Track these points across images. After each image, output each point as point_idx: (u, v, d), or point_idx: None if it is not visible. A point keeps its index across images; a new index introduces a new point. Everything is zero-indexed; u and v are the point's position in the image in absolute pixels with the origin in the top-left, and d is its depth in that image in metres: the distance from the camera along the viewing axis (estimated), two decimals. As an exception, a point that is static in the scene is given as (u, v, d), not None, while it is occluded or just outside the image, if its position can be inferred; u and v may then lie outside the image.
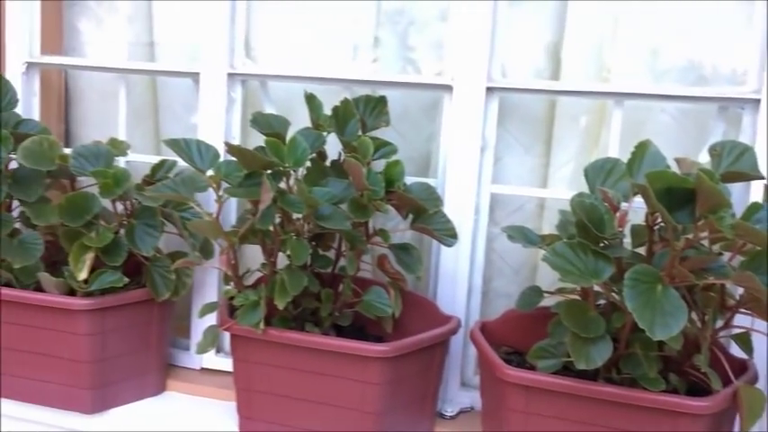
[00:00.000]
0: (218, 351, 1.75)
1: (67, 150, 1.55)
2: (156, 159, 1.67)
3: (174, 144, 1.35)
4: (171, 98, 1.86)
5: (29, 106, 1.81)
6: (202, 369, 1.75)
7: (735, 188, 1.38)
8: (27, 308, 1.51)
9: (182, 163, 1.55)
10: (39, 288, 1.54)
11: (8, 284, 1.55)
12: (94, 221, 1.51)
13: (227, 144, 1.32)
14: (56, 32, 1.91)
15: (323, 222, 1.29)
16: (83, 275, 1.49)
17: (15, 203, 1.59)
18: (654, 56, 1.52)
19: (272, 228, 1.35)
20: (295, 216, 1.35)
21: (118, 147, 1.61)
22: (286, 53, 1.73)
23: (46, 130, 1.61)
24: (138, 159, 1.76)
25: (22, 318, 1.52)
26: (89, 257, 1.49)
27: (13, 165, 1.54)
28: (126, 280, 1.51)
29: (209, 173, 1.37)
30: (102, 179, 1.47)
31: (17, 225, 1.57)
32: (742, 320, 1.22)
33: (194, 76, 1.68)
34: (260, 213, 1.24)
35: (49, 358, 1.54)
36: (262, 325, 1.32)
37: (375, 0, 1.67)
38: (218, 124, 1.65)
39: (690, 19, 1.49)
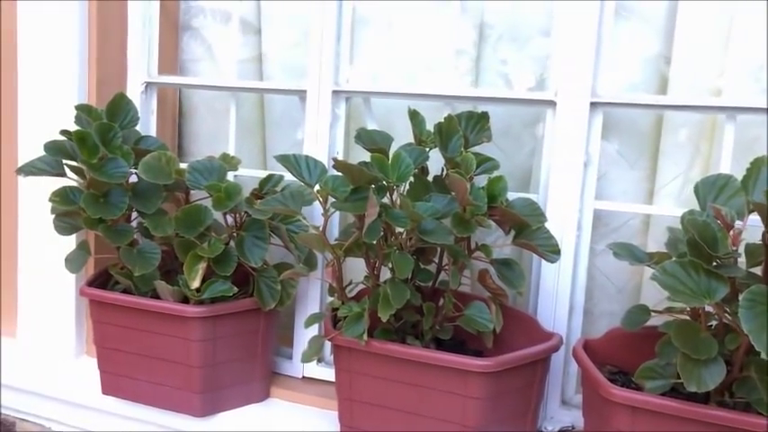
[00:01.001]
0: (320, 361, 1.79)
1: (183, 165, 1.63)
2: (263, 174, 1.73)
3: (285, 159, 1.41)
4: (278, 115, 1.93)
5: (146, 123, 1.92)
6: (304, 378, 1.80)
7: None
8: (144, 314, 1.60)
9: (288, 177, 1.62)
10: (155, 295, 1.63)
11: (127, 291, 1.65)
12: (207, 233, 1.59)
13: (334, 160, 1.36)
14: (171, 53, 2.02)
15: (426, 237, 1.31)
16: (196, 284, 1.56)
17: (134, 215, 1.69)
18: (762, 70, 1.47)
19: (375, 242, 1.38)
20: (398, 230, 1.38)
21: (229, 162, 1.68)
22: (388, 70, 1.77)
23: (164, 147, 1.70)
24: (247, 174, 1.83)
25: (140, 323, 1.61)
26: (202, 267, 1.57)
27: (133, 178, 1.64)
28: (235, 289, 1.58)
29: (317, 187, 1.41)
30: (215, 192, 1.55)
31: (136, 236, 1.67)
32: None
33: (301, 93, 1.74)
34: (366, 227, 1.27)
35: (163, 362, 1.62)
36: (365, 336, 1.35)
37: (474, 17, 1.69)
38: (323, 140, 1.70)
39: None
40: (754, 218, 1.16)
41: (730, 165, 1.43)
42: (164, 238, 1.64)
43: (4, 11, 1.90)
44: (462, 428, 1.36)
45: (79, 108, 1.68)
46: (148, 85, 1.93)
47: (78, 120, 1.68)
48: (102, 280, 1.74)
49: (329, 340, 1.42)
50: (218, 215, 1.62)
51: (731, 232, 1.18)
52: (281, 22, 1.89)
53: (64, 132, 1.61)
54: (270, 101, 1.95)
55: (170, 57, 2.01)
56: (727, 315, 1.15)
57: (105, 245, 1.64)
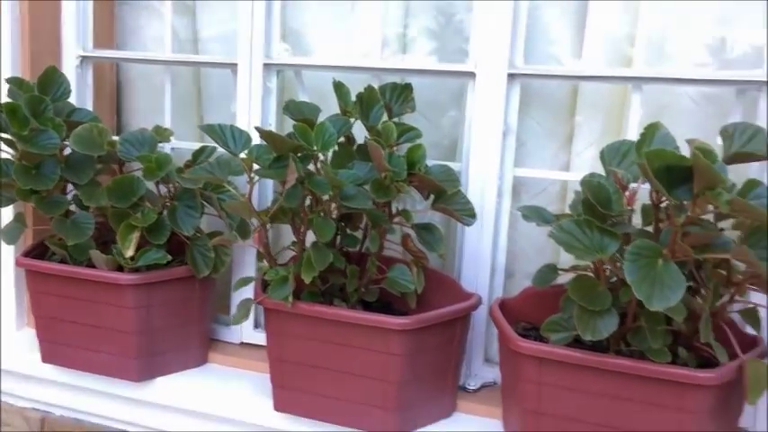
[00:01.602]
0: (257, 326, 1.85)
1: (116, 138, 1.67)
2: (197, 146, 1.78)
3: (210, 129, 1.45)
4: (214, 89, 1.96)
5: (83, 97, 1.94)
6: (242, 343, 1.86)
7: (752, 168, 1.41)
8: (80, 282, 1.64)
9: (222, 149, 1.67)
10: (91, 265, 1.67)
11: (63, 261, 1.68)
12: (140, 203, 1.63)
13: (258, 129, 1.42)
14: (108, 28, 2.03)
15: (347, 202, 1.37)
16: (129, 253, 1.60)
17: (69, 187, 1.72)
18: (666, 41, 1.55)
19: (302, 208, 1.44)
20: (323, 197, 1.43)
21: (161, 134, 1.72)
22: (319, 44, 1.82)
23: (96, 119, 1.73)
24: (183, 146, 1.87)
25: (76, 292, 1.65)
26: (135, 236, 1.61)
27: (67, 151, 1.67)
28: (169, 257, 1.63)
29: (242, 156, 1.46)
30: (146, 163, 1.59)
31: (71, 207, 1.70)
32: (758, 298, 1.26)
33: (232, 66, 1.78)
34: (285, 192, 1.33)
35: (100, 329, 1.66)
36: (290, 298, 1.41)
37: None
38: (255, 112, 1.75)
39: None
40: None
41: (637, 132, 1.51)
42: (99, 208, 1.68)
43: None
44: (385, 384, 1.44)
45: (10, 81, 1.70)
46: (84, 58, 1.94)
47: (10, 93, 1.70)
48: (39, 251, 1.77)
49: (258, 303, 1.48)
50: (152, 186, 1.66)
51: (626, 193, 1.27)
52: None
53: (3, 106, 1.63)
54: (206, 75, 1.99)
55: (106, 31, 2.03)
56: (620, 269, 1.24)
57: (43, 216, 1.68)
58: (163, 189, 1.68)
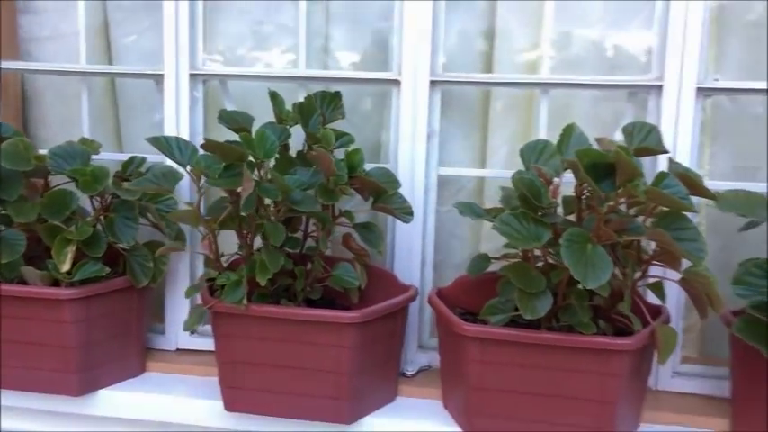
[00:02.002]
0: (192, 332, 1.88)
1: (41, 151, 1.65)
2: (122, 156, 1.78)
3: (156, 141, 1.48)
4: (132, 99, 1.96)
5: (-10, 110, 1.89)
6: (178, 350, 1.88)
7: (645, 161, 1.62)
8: (15, 300, 1.61)
9: (151, 159, 1.69)
10: (21, 282, 1.64)
11: (-6, 280, 1.64)
12: (72, 217, 1.63)
13: (205, 140, 1.46)
14: (10, 35, 1.98)
15: (297, 206, 1.45)
16: (66, 267, 1.60)
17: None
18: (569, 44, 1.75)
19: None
20: (267, 202, 1.50)
21: (90, 146, 1.71)
22: (243, 53, 1.87)
23: (19, 133, 1.70)
24: (105, 157, 1.86)
25: (10, 310, 1.62)
26: (71, 250, 1.60)
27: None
28: (107, 270, 1.63)
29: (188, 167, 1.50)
30: (81, 177, 1.59)
31: (-4, 224, 1.66)
32: (657, 273, 1.46)
33: (158, 77, 1.80)
34: (243, 200, 1.39)
35: (38, 346, 1.64)
36: (245, 301, 1.47)
37: (321, 4, 1.83)
38: (183, 121, 1.78)
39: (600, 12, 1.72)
40: (568, 174, 1.42)
41: (546, 132, 1.69)
42: (26, 224, 1.65)
43: None
44: (337, 375, 1.53)
45: (-76, 97, 1.64)
46: (-10, 71, 1.89)
47: None
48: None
49: (209, 308, 1.52)
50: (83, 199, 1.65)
51: (551, 187, 1.43)
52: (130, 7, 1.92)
53: None
54: (122, 85, 1.98)
55: (9, 39, 1.97)
56: (551, 255, 1.40)
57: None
58: (95, 202, 1.67)
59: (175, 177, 1.52)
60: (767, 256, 1.39)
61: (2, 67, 1.88)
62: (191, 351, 1.88)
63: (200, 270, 1.87)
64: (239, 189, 1.41)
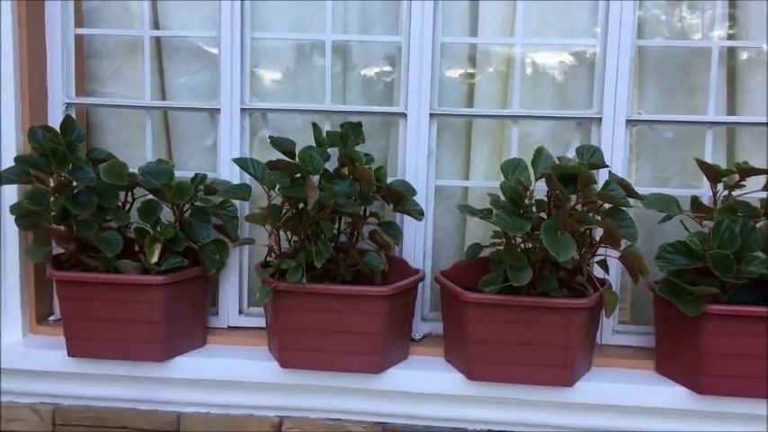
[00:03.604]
0: (240, 312, 2.35)
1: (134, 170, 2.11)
2: (181, 174, 2.24)
3: (241, 162, 1.97)
4: (184, 128, 2.42)
5: (70, 137, 2.31)
6: (229, 327, 2.35)
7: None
8: (114, 286, 2.05)
9: (210, 176, 2.18)
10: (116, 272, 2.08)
11: (96, 270, 2.08)
12: (158, 221, 2.09)
13: (270, 162, 1.96)
14: (79, 78, 2.40)
15: (343, 209, 1.96)
16: (154, 259, 2.06)
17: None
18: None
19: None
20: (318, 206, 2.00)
21: (167, 166, 2.17)
22: (280, 91, 2.38)
23: (112, 156, 2.15)
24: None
25: (107, 294, 2.06)
26: (158, 246, 2.06)
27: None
28: (186, 261, 2.09)
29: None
30: (168, 190, 2.05)
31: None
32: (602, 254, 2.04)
33: (213, 111, 2.28)
34: (310, 205, 1.89)
35: (128, 323, 2.08)
36: (304, 280, 1.97)
37: (340, 53, 2.35)
38: (235, 146, 2.26)
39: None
40: (540, 184, 1.97)
41: (516, 152, 2.24)
42: (119, 227, 2.10)
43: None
44: (371, 336, 2.03)
45: (38, 128, 2.07)
46: (68, 105, 2.32)
47: (34, 138, 2.06)
48: (56, 265, 2.14)
49: (274, 287, 2.00)
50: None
51: (528, 192, 1.99)
52: (184, 51, 2.39)
53: (36, 147, 2.01)
54: (175, 116, 2.43)
55: (78, 79, 2.40)
56: (528, 241, 1.95)
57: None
58: (175, 209, 2.14)
59: (248, 189, 2.01)
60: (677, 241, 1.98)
61: (77, 102, 2.32)
62: (239, 328, 2.34)
63: (246, 263, 2.34)
64: (304, 196, 1.91)
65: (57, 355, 2.18)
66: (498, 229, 1.97)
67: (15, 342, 2.26)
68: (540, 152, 2.02)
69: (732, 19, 2.26)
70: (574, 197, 1.88)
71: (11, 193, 2.18)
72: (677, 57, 2.29)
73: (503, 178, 2.05)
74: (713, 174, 2.04)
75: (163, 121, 2.46)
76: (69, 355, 2.14)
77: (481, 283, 2.02)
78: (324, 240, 1.98)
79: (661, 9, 2.28)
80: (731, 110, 2.28)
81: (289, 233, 2.07)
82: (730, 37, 2.26)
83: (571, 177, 1.83)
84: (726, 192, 2.06)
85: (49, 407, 2.27)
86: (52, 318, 2.38)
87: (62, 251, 2.18)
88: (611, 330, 2.27)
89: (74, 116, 2.31)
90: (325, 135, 2.15)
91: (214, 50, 2.31)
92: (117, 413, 2.25)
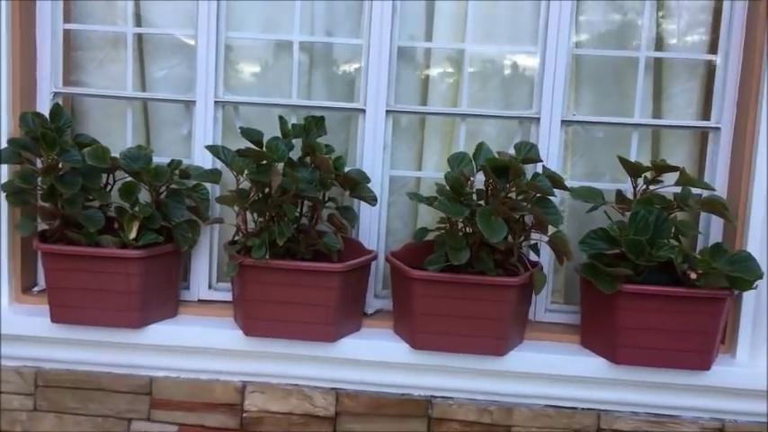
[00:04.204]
0: (210, 287, 2.58)
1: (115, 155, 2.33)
2: (158, 160, 2.45)
3: (213, 149, 2.20)
4: (162, 117, 2.64)
5: (56, 123, 2.52)
6: (199, 300, 2.57)
7: (529, 167, 2.44)
8: (94, 259, 2.27)
9: (185, 162, 2.40)
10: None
11: (79, 244, 2.29)
12: (137, 201, 2.31)
13: (240, 150, 2.19)
14: (66, 69, 2.61)
15: (305, 193, 2.20)
16: (133, 235, 2.28)
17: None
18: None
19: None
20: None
21: (146, 151, 2.39)
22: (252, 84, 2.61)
23: (95, 141, 2.36)
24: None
25: (89, 266, 2.28)
26: (136, 224, 2.29)
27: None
28: (161, 238, 2.32)
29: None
30: (146, 173, 2.27)
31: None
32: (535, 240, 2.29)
33: (189, 103, 2.50)
34: (274, 189, 2.12)
35: (108, 293, 2.30)
36: (267, 256, 2.20)
37: (307, 50, 2.59)
38: (208, 135, 2.49)
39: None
40: (481, 175, 2.22)
41: (463, 146, 2.49)
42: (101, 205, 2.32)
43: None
44: (326, 308, 2.27)
45: (29, 114, 2.28)
46: (56, 94, 2.53)
47: (25, 123, 2.27)
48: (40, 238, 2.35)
49: (240, 262, 2.23)
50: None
51: (468, 182, 2.24)
52: (167, 48, 2.61)
53: (26, 131, 2.22)
54: (153, 107, 2.65)
55: (65, 70, 2.61)
56: (468, 225, 2.20)
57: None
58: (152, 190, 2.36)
59: (219, 174, 2.24)
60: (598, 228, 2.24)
61: (64, 91, 2.53)
62: (208, 301, 2.57)
63: (216, 241, 2.57)
64: (269, 180, 2.14)
65: (40, 322, 2.40)
66: (444, 216, 2.22)
67: (2, 309, 2.46)
68: (480, 147, 2.26)
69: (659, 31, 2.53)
70: (507, 186, 2.13)
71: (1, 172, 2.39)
72: (610, 64, 2.55)
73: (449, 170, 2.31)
74: (633, 170, 2.30)
75: (142, 111, 2.67)
76: (52, 320, 2.35)
77: (426, 263, 2.26)
78: (286, 221, 2.21)
79: (597, 21, 2.54)
80: (657, 113, 2.55)
81: (255, 215, 2.30)
82: (658, 48, 2.53)
83: (504, 169, 2.08)
84: (645, 186, 2.33)
85: (31, 370, 2.48)
86: (36, 288, 2.59)
87: (47, 227, 2.39)
88: (543, 309, 2.53)
89: (61, 104, 2.52)
90: (290, 127, 2.38)
91: (191, 44, 2.53)
92: (94, 376, 2.46)
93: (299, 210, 2.38)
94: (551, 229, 2.21)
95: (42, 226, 2.40)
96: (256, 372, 2.43)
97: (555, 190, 2.19)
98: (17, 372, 2.48)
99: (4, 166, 2.36)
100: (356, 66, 2.58)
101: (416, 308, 2.25)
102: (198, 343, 2.39)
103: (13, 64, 2.41)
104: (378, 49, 2.45)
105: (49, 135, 2.20)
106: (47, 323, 2.38)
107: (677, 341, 2.21)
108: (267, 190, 2.26)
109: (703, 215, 2.44)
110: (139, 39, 2.62)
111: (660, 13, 2.52)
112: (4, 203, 2.41)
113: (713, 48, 2.47)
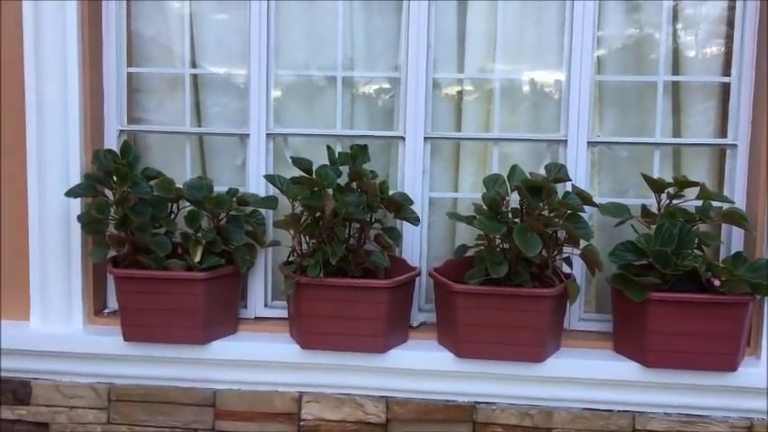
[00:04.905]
0: (266, 305, 2.78)
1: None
2: (223, 188, 2.67)
3: (270, 178, 2.41)
4: (217, 149, 2.87)
5: (122, 158, 2.75)
6: (256, 318, 2.78)
7: (560, 186, 2.63)
8: (163, 281, 2.48)
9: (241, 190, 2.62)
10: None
11: (149, 268, 2.51)
12: (200, 227, 2.53)
13: (294, 178, 2.40)
14: (129, 107, 2.86)
15: (353, 216, 2.40)
16: (197, 259, 2.49)
17: (142, 219, 2.55)
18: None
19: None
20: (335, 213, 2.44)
21: (207, 181, 2.61)
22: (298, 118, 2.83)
23: (161, 174, 2.59)
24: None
25: (158, 288, 2.49)
26: (200, 248, 2.50)
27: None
28: (223, 261, 2.53)
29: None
30: (208, 202, 2.49)
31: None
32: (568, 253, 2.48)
33: (243, 136, 2.73)
34: (328, 214, 2.32)
35: (175, 312, 2.51)
36: (321, 274, 2.40)
37: (350, 86, 2.81)
38: (261, 165, 2.71)
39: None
40: (515, 195, 2.41)
41: (497, 168, 2.68)
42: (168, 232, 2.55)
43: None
44: (376, 321, 2.46)
45: (101, 151, 2.52)
46: (121, 131, 2.77)
47: (98, 158, 2.51)
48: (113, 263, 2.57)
49: (296, 281, 2.43)
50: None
51: (504, 201, 2.43)
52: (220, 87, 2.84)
53: (102, 167, 2.45)
54: (208, 139, 2.88)
55: (129, 109, 2.85)
56: (505, 241, 2.39)
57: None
58: (214, 217, 2.57)
59: (275, 201, 2.45)
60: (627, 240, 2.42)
61: (129, 129, 2.77)
62: (264, 318, 2.77)
63: (270, 262, 2.78)
64: (322, 205, 2.35)
65: (112, 341, 2.62)
66: (482, 233, 2.41)
67: (78, 330, 2.69)
68: (514, 169, 2.46)
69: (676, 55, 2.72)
70: (540, 205, 2.32)
71: (74, 204, 2.62)
72: (631, 88, 2.74)
73: (485, 190, 2.50)
74: (656, 186, 2.48)
75: (198, 144, 2.90)
76: (125, 339, 2.57)
77: (467, 277, 2.45)
78: (337, 242, 2.42)
79: (619, 47, 2.74)
80: (676, 132, 2.73)
81: (307, 237, 2.51)
82: (675, 64, 2.71)
83: (538, 189, 2.28)
84: (668, 201, 2.50)
85: (105, 386, 2.69)
86: (106, 310, 2.81)
87: (116, 253, 2.61)
88: (577, 318, 2.71)
89: (129, 141, 2.76)
90: (337, 155, 2.59)
91: (241, 84, 2.77)
92: (162, 390, 2.67)
93: (347, 231, 2.58)
94: (582, 243, 2.39)
95: (111, 252, 2.62)
96: (311, 383, 2.62)
97: (584, 206, 2.37)
98: (91, 388, 2.70)
99: (73, 200, 2.59)
100: (393, 97, 2.79)
101: (459, 319, 2.43)
102: (257, 357, 2.59)
103: (84, 104, 2.65)
104: (415, 81, 2.66)
105: (122, 170, 2.44)
106: (119, 342, 2.59)
107: (704, 344, 2.37)
108: (318, 214, 2.47)
109: (724, 226, 2.61)
110: (194, 77, 2.85)
111: (678, 27, 2.70)
112: (75, 233, 2.64)
113: (727, 67, 2.65)
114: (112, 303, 2.81)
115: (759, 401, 2.47)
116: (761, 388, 2.46)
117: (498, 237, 2.37)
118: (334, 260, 2.38)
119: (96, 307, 2.77)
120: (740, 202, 2.58)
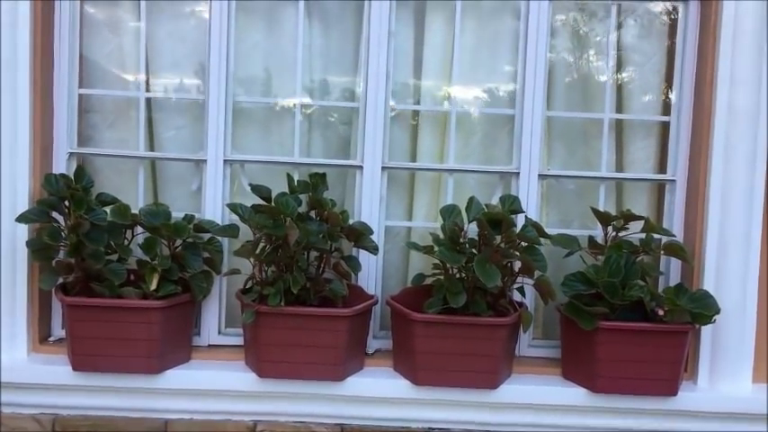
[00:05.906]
0: (219, 332, 2.75)
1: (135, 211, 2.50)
2: (178, 215, 2.63)
3: (233, 206, 2.40)
4: (171, 174, 2.83)
5: (72, 181, 2.68)
6: (209, 345, 2.74)
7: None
8: (116, 309, 2.42)
9: (197, 216, 2.60)
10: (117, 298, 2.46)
11: (101, 296, 2.45)
12: (157, 254, 2.49)
13: (255, 205, 2.40)
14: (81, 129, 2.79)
15: (316, 244, 2.42)
16: (153, 287, 2.45)
17: (95, 246, 2.49)
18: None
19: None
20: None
21: (163, 208, 2.57)
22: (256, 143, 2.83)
23: (116, 200, 2.53)
24: (157, 214, 2.70)
25: (111, 316, 2.43)
26: (156, 276, 2.46)
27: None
28: (179, 288, 2.50)
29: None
30: (166, 229, 2.45)
31: (99, 259, 2.47)
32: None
33: (201, 162, 2.70)
34: (292, 242, 2.33)
35: (128, 341, 2.45)
36: (282, 303, 2.40)
37: (308, 110, 2.83)
38: (218, 192, 2.69)
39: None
40: (472, 226, 2.48)
41: (451, 198, 2.76)
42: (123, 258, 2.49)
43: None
44: (335, 350, 2.48)
45: (51, 176, 2.45)
46: (71, 154, 2.70)
47: (49, 182, 2.44)
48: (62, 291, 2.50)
49: (257, 309, 2.42)
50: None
51: (462, 232, 2.49)
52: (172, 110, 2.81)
53: (55, 192, 2.38)
54: (161, 164, 2.84)
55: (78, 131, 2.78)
56: (463, 271, 2.45)
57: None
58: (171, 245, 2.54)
59: (237, 229, 2.45)
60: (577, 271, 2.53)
61: (79, 151, 2.70)
62: (218, 346, 2.74)
63: (224, 290, 2.75)
64: (285, 234, 2.35)
65: (58, 371, 2.53)
66: (438, 262, 2.47)
67: (21, 359, 2.59)
68: (471, 201, 2.53)
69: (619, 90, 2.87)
70: (499, 237, 2.39)
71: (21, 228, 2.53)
72: (578, 125, 2.87)
73: (440, 220, 2.57)
74: (604, 219, 2.60)
75: (150, 168, 2.85)
76: (74, 369, 2.49)
77: (426, 306, 2.50)
78: (299, 270, 2.42)
79: (566, 84, 2.87)
80: (619, 167, 2.87)
81: (265, 265, 2.51)
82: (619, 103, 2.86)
83: (498, 222, 2.36)
84: (614, 233, 2.63)
85: (49, 417, 2.60)
86: (51, 338, 2.72)
87: (63, 280, 2.54)
88: (527, 344, 2.80)
89: (75, 163, 2.69)
90: (296, 183, 2.60)
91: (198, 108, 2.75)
92: (110, 420, 2.60)
93: (306, 259, 2.60)
94: (536, 273, 2.48)
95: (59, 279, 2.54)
96: (266, 411, 2.60)
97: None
98: (35, 419, 2.60)
99: (20, 225, 2.50)
100: (351, 127, 2.83)
101: (418, 347, 2.48)
102: (211, 386, 2.56)
103: (34, 125, 2.57)
104: (373, 111, 2.71)
105: (77, 195, 2.38)
106: (65, 371, 2.51)
107: (648, 370, 2.49)
108: (279, 242, 2.47)
109: (663, 257, 2.76)
110: (148, 100, 2.81)
111: (620, 75, 2.86)
112: (21, 259, 2.55)
113: (666, 108, 2.81)
114: (57, 331, 2.72)
115: (697, 424, 2.61)
116: (698, 411, 2.60)
117: (456, 267, 2.44)
118: (296, 289, 2.39)
119: (41, 335, 2.67)
120: (678, 235, 2.74)
